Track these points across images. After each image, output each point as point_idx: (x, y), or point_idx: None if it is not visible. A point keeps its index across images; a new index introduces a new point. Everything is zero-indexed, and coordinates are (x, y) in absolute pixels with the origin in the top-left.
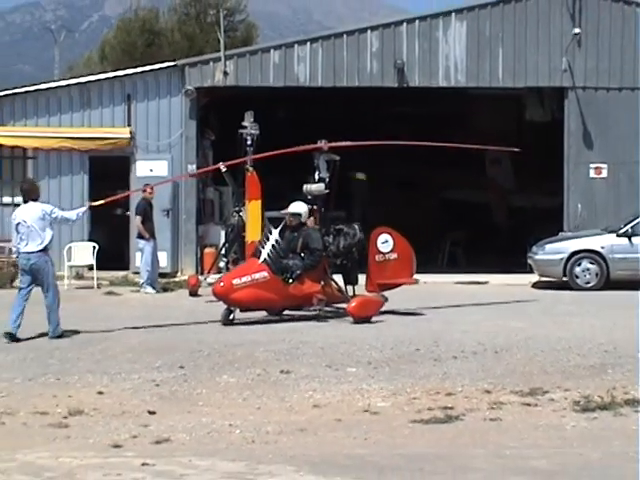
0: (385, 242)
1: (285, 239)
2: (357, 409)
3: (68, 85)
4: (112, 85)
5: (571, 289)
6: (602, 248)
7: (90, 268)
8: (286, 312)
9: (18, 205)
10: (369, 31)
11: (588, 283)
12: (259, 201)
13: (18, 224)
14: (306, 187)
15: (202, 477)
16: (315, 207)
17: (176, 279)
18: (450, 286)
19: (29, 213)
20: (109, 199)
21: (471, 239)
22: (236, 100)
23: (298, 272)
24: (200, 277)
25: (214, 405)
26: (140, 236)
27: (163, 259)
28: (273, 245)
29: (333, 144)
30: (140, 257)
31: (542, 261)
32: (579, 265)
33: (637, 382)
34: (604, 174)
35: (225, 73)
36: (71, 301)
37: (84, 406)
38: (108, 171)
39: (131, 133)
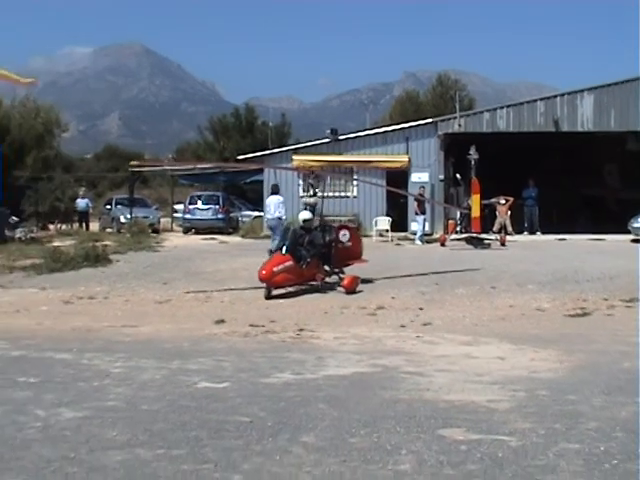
0: (344, 235)
1: (296, 235)
2: (533, 308)
3: (375, 133)
4: (399, 133)
5: None
6: None
7: (387, 231)
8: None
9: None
10: (538, 101)
11: None
12: (478, 195)
13: (268, 205)
14: (304, 199)
15: (448, 343)
16: (510, 199)
17: (433, 237)
18: (583, 241)
19: (273, 200)
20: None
21: (595, 216)
22: (465, 140)
23: (308, 260)
24: (446, 236)
25: (454, 305)
26: (416, 212)
27: (427, 226)
28: (293, 241)
29: (319, 171)
30: (416, 225)
31: (637, 227)
32: None
33: None
34: None
35: (459, 125)
36: (377, 250)
37: (384, 304)
38: (397, 179)
39: (409, 158)
